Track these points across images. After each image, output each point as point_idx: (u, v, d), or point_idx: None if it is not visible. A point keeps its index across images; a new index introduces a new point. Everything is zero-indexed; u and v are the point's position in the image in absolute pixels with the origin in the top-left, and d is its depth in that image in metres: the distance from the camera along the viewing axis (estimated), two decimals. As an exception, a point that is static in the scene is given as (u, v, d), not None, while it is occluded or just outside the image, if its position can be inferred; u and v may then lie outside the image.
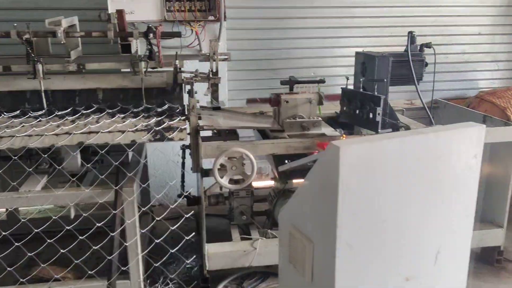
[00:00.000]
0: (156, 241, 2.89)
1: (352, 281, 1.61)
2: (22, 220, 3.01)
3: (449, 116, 4.33)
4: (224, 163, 3.05)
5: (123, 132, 2.90)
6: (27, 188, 2.86)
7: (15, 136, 2.81)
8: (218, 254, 3.19)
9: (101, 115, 3.27)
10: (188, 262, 3.62)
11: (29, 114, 3.26)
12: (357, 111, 3.34)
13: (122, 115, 3.25)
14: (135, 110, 3.37)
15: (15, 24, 3.14)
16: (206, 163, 3.15)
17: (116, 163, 2.96)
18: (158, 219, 2.93)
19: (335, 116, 3.84)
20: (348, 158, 1.48)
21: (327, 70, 5.11)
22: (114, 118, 3.19)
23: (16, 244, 2.83)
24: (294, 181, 3.43)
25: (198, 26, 4.44)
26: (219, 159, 2.97)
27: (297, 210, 1.79)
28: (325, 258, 1.61)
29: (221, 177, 3.04)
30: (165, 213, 2.96)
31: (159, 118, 3.18)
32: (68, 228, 2.82)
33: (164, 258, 3.02)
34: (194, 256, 3.57)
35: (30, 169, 2.94)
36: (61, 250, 2.88)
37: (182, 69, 3.43)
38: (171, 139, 2.89)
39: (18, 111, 3.30)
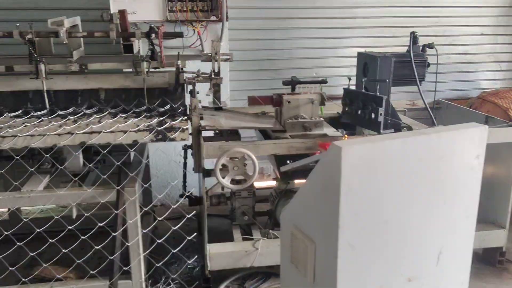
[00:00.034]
0: (158, 241, 2.89)
1: (354, 282, 1.61)
2: (24, 219, 3.02)
3: (451, 117, 4.33)
4: (226, 163, 3.05)
5: (125, 132, 2.91)
6: (29, 188, 2.86)
7: (17, 136, 2.81)
8: (219, 255, 3.19)
9: (103, 115, 3.27)
10: (189, 262, 3.62)
11: (32, 114, 3.26)
12: (359, 112, 3.34)
13: (124, 115, 3.25)
14: (137, 110, 3.37)
15: (18, 24, 3.14)
16: (208, 163, 3.15)
17: (118, 163, 2.96)
18: (160, 219, 2.93)
19: (337, 116, 3.84)
20: (350, 158, 1.48)
21: (329, 70, 5.12)
22: (116, 118, 3.19)
23: (18, 243, 2.83)
24: (296, 181, 3.43)
25: (200, 26, 4.44)
26: (221, 159, 2.97)
27: (299, 210, 1.79)
28: (327, 259, 1.61)
29: (223, 177, 3.04)
30: (167, 213, 2.95)
31: (161, 118, 3.18)
32: (70, 228, 2.82)
33: (166, 258, 3.02)
34: (196, 256, 3.57)
35: (32, 169, 2.95)
36: (63, 250, 2.88)
37: (184, 69, 3.43)
38: (173, 139, 2.89)
39: (20, 111, 3.30)
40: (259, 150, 3.07)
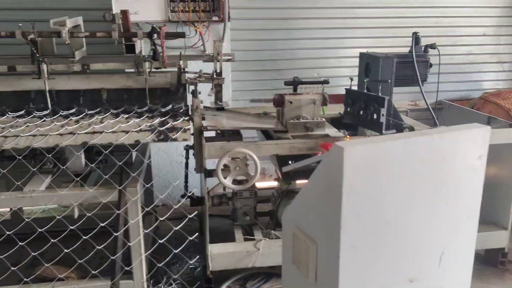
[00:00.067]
0: (159, 241, 2.89)
1: (356, 282, 1.61)
2: (26, 219, 3.01)
3: (454, 117, 4.32)
4: (227, 164, 3.05)
5: (127, 132, 2.91)
6: (31, 188, 2.87)
7: (19, 136, 2.82)
8: (221, 255, 3.19)
9: (105, 115, 3.27)
10: (191, 262, 3.62)
11: (34, 114, 3.27)
12: (361, 112, 3.34)
13: (126, 115, 3.25)
14: (139, 110, 3.38)
15: (20, 24, 3.15)
16: (209, 164, 3.15)
17: (120, 163, 2.97)
18: (162, 219, 2.94)
19: (339, 117, 3.83)
20: (352, 159, 1.47)
21: (331, 70, 5.11)
22: (118, 118, 3.19)
23: (20, 243, 2.84)
24: (298, 181, 3.43)
25: (202, 26, 4.44)
26: (222, 159, 2.97)
27: (300, 211, 1.79)
28: (329, 259, 1.60)
29: (225, 178, 3.04)
30: (168, 213, 2.96)
31: (163, 119, 3.19)
32: (71, 228, 2.83)
33: (168, 258, 3.02)
34: (198, 257, 3.57)
35: (34, 169, 2.95)
36: (65, 250, 2.89)
37: (186, 69, 3.43)
38: (175, 140, 2.89)
39: (22, 111, 3.31)
40: (260, 151, 3.07)
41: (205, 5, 4.36)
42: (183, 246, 2.96)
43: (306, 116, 3.39)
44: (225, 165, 3.04)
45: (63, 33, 3.13)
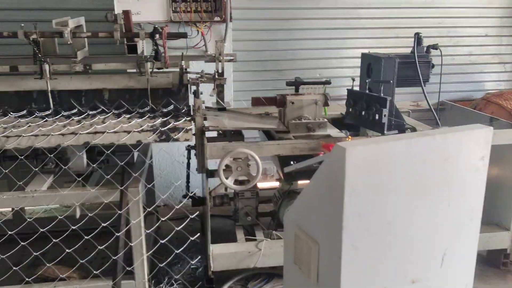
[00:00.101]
0: (161, 241, 2.89)
1: (358, 283, 1.60)
2: (28, 219, 3.02)
3: (456, 118, 4.31)
4: (229, 164, 3.05)
5: (128, 132, 2.91)
6: (33, 188, 2.87)
7: (21, 136, 2.82)
8: (223, 255, 3.19)
9: (107, 115, 3.28)
10: (193, 262, 3.62)
11: (36, 114, 3.27)
12: (363, 113, 3.33)
13: (128, 116, 3.26)
14: (141, 110, 3.38)
15: (22, 25, 3.16)
16: (211, 164, 3.15)
17: (122, 163, 2.97)
18: (163, 219, 2.94)
19: (341, 117, 3.83)
20: (354, 159, 1.47)
21: (333, 71, 5.11)
22: (120, 119, 3.20)
23: (21, 243, 2.84)
24: (299, 182, 3.43)
25: (204, 27, 4.45)
26: (224, 160, 2.97)
27: (302, 211, 1.79)
28: (330, 260, 1.60)
29: (226, 178, 3.04)
30: (170, 214, 2.96)
31: (165, 119, 3.19)
32: (73, 228, 2.83)
33: (169, 258, 3.02)
34: (199, 257, 3.57)
35: (36, 169, 2.96)
36: (67, 250, 2.89)
37: (188, 69, 3.43)
38: (177, 140, 2.89)
39: (24, 111, 3.31)
40: (262, 151, 3.07)
41: (207, 6, 4.36)
42: (184, 246, 2.96)
43: (308, 117, 3.39)
44: (226, 166, 3.04)
45: (65, 33, 3.14)
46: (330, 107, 3.58)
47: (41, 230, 2.86)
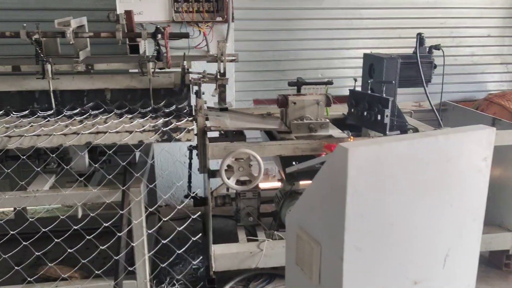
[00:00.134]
0: (162, 241, 2.89)
1: (360, 284, 1.60)
2: (30, 219, 3.02)
3: (458, 119, 4.30)
4: (231, 164, 3.04)
5: (130, 132, 2.91)
6: (35, 188, 2.88)
7: (23, 136, 2.83)
8: (224, 255, 3.19)
9: (109, 115, 3.28)
10: (194, 263, 3.62)
11: (38, 114, 3.28)
12: (365, 113, 3.33)
13: (130, 116, 3.26)
14: (142, 110, 3.38)
15: (25, 25, 3.16)
16: (213, 164, 3.15)
17: (124, 163, 2.97)
18: (165, 219, 2.94)
19: (343, 117, 3.83)
20: (356, 160, 1.47)
21: (334, 71, 5.11)
22: (122, 119, 3.20)
23: (23, 243, 2.84)
24: (301, 182, 3.42)
25: (206, 27, 4.45)
26: (226, 160, 2.97)
27: (304, 212, 1.79)
28: (332, 261, 1.60)
29: (228, 178, 3.04)
30: (172, 214, 2.96)
31: (167, 119, 3.19)
32: (75, 227, 2.83)
33: (171, 259, 3.02)
34: (201, 257, 3.57)
35: (38, 169, 2.96)
36: (68, 250, 2.89)
37: (190, 70, 3.43)
38: (179, 140, 2.89)
39: (27, 111, 3.32)
40: (264, 151, 3.06)
41: (209, 6, 4.36)
42: (186, 246, 2.96)
43: (309, 117, 3.39)
44: (228, 166, 3.04)
45: (68, 33, 3.14)
46: (332, 107, 3.57)
47: (43, 230, 2.86)
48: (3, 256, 2.88)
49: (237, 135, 3.37)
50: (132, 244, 2.90)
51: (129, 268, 2.94)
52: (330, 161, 1.59)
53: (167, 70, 3.39)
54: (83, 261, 2.88)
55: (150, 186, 3.23)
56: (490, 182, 1.77)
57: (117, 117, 3.24)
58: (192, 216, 2.91)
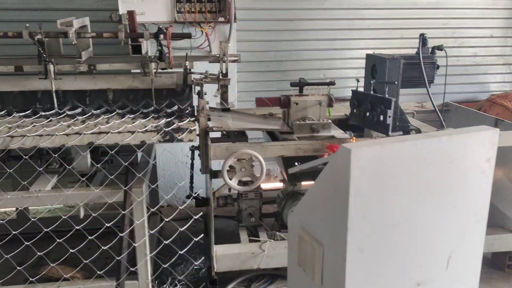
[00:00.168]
0: (164, 242, 2.89)
1: (363, 285, 1.60)
2: (32, 219, 3.03)
3: (460, 119, 4.29)
4: (233, 165, 3.04)
5: (132, 132, 2.91)
6: (37, 188, 2.88)
7: (26, 136, 2.83)
8: (226, 256, 3.19)
9: (111, 115, 3.28)
10: (196, 263, 3.62)
11: (40, 114, 3.28)
12: (368, 114, 3.32)
13: (132, 116, 3.26)
14: (145, 111, 3.38)
15: (27, 25, 3.16)
16: (215, 165, 3.15)
17: (126, 164, 2.97)
18: (167, 220, 2.93)
19: (345, 118, 3.82)
20: (359, 161, 1.47)
21: (337, 72, 5.11)
22: (124, 119, 3.20)
23: (25, 243, 2.84)
24: (303, 183, 3.42)
25: (208, 27, 4.45)
26: (228, 160, 2.97)
27: (306, 212, 1.78)
28: (335, 262, 1.59)
29: (230, 179, 3.03)
30: (173, 214, 2.96)
31: (169, 119, 3.19)
32: (77, 228, 2.83)
33: (173, 259, 3.01)
34: (202, 258, 3.57)
35: (41, 169, 2.96)
36: (70, 250, 2.89)
37: (192, 70, 3.43)
38: (181, 140, 2.89)
39: (29, 111, 3.32)
40: (266, 152, 3.06)
41: (211, 6, 4.36)
42: (188, 247, 2.96)
43: (312, 118, 3.38)
44: (230, 166, 3.03)
45: (70, 33, 3.14)
46: (334, 108, 3.57)
47: (45, 230, 2.86)
48: (5, 256, 2.89)
49: (239, 136, 3.37)
50: (134, 244, 2.90)
51: (131, 269, 2.94)
52: (333, 162, 1.59)
53: (169, 70, 3.39)
54: (85, 261, 2.89)
55: (152, 186, 3.22)
56: (493, 183, 1.76)
57: (119, 117, 3.24)
58: (194, 217, 2.91)
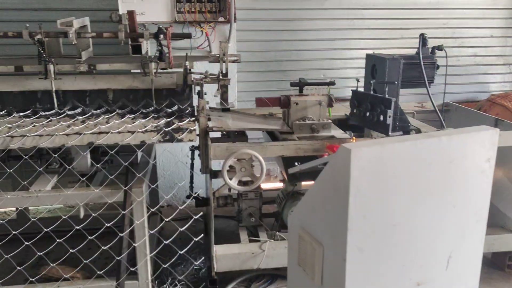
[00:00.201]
0: (164, 242, 2.89)
1: (363, 285, 1.60)
2: (32, 219, 3.03)
3: (460, 119, 4.29)
4: (233, 165, 3.04)
5: (132, 132, 2.91)
6: (37, 188, 2.88)
7: (26, 136, 2.83)
8: (226, 256, 3.19)
9: (111, 115, 3.28)
10: (196, 263, 3.62)
11: (40, 114, 3.28)
12: (368, 114, 3.32)
13: (132, 116, 3.26)
14: (145, 110, 3.38)
15: (27, 25, 3.16)
16: (215, 165, 3.15)
17: (126, 164, 2.97)
18: (167, 220, 2.93)
19: (345, 118, 3.82)
20: (359, 161, 1.47)
21: (337, 72, 5.11)
22: (124, 119, 3.20)
23: (25, 243, 2.84)
24: (303, 183, 3.42)
25: (208, 27, 4.45)
26: (228, 160, 2.97)
27: (306, 212, 1.78)
28: (335, 262, 1.59)
29: (230, 179, 3.03)
30: (173, 214, 2.96)
31: (169, 119, 3.19)
32: (77, 228, 2.83)
33: (173, 259, 3.02)
34: (202, 258, 3.57)
35: (41, 169, 2.96)
36: (70, 250, 2.89)
37: (192, 70, 3.43)
38: (181, 140, 2.89)
39: (29, 111, 3.32)
40: (266, 152, 3.06)
41: (211, 6, 4.36)
42: (188, 247, 2.96)
43: (312, 118, 3.38)
44: (230, 166, 3.03)
45: (70, 33, 3.14)
46: (334, 108, 3.57)
47: (45, 230, 2.86)
48: (5, 256, 2.88)
49: (239, 136, 3.37)
50: (134, 244, 2.90)
51: (131, 269, 2.94)
52: (333, 162, 1.59)
53: (169, 70, 3.39)
54: (85, 261, 2.89)
55: (152, 186, 3.22)
56: (493, 183, 1.76)
57: (119, 117, 3.24)
58: (194, 217, 2.91)
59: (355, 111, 3.49)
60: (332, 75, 4.87)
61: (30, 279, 2.91)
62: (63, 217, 2.93)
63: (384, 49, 4.53)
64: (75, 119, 3.19)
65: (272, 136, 3.49)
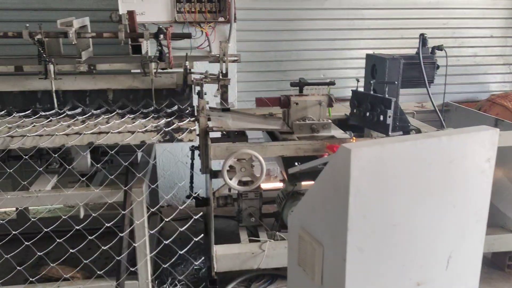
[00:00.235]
0: (164, 242, 2.89)
1: (363, 285, 1.60)
2: (32, 219, 3.03)
3: (460, 119, 4.29)
4: (233, 165, 3.04)
5: (132, 132, 2.91)
6: (37, 188, 2.88)
7: (26, 136, 2.83)
8: (226, 256, 3.19)
9: (111, 115, 3.28)
10: (196, 263, 3.62)
11: (40, 114, 3.28)
12: (368, 114, 3.32)
13: (132, 116, 3.26)
14: (145, 110, 3.38)
15: (27, 25, 3.16)
16: (215, 165, 3.15)
17: (126, 164, 2.97)
18: (167, 220, 2.94)
19: (345, 118, 3.82)
20: (359, 161, 1.47)
21: (337, 72, 5.11)
22: (124, 119, 3.20)
23: (25, 243, 2.84)
24: (303, 183, 3.42)
25: (208, 27, 4.45)
26: (228, 160, 2.97)
27: (306, 212, 1.78)
28: (335, 262, 1.59)
29: (230, 179, 3.03)
30: (173, 214, 2.96)
31: (169, 119, 3.19)
32: (77, 228, 2.83)
33: (173, 259, 3.02)
34: (202, 258, 3.57)
35: (41, 169, 2.96)
36: (70, 250, 2.89)
37: (192, 70, 3.43)
38: (181, 140, 2.89)
39: (29, 111, 3.32)
40: (266, 152, 3.06)
41: (211, 6, 4.36)
42: (188, 247, 2.96)
43: (312, 118, 3.38)
44: (230, 166, 3.03)
45: (70, 33, 3.14)
46: (334, 108, 3.57)
47: (45, 230, 2.86)
48: (5, 256, 2.88)
49: (239, 136, 3.37)
50: (134, 244, 2.90)
51: (131, 269, 2.94)
52: (333, 162, 1.59)
53: (169, 70, 3.39)
54: (85, 261, 2.89)
55: (152, 186, 3.22)
56: (493, 183, 1.76)
57: (119, 117, 3.24)
58: (194, 217, 2.91)
59: (355, 111, 3.49)
60: (332, 75, 4.87)
61: (30, 279, 2.91)
62: (63, 217, 2.93)
63: (384, 49, 4.53)
64: (75, 119, 3.19)
65: (272, 136, 3.49)
